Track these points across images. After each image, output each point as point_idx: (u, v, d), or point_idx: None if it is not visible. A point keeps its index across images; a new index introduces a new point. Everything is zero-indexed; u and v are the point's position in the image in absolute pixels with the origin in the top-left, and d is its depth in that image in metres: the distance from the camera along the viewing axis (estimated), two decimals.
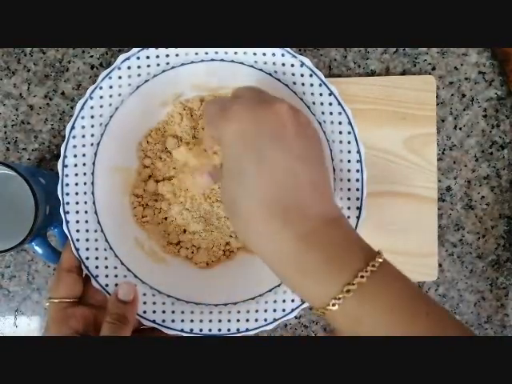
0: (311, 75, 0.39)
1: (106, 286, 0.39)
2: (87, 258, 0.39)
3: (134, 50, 0.39)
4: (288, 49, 0.39)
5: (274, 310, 0.40)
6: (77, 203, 0.39)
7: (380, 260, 0.29)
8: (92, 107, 0.39)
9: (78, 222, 0.39)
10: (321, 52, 0.48)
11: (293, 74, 0.40)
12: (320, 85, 0.40)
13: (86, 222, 0.39)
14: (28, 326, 0.48)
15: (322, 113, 0.40)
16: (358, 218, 0.40)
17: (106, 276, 0.39)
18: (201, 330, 0.39)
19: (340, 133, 0.40)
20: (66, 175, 0.39)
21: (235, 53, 0.39)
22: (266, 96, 0.33)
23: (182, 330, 0.39)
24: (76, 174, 0.39)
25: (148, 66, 0.39)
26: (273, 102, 0.31)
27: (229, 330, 0.39)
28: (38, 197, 0.38)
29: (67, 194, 0.39)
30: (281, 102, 0.31)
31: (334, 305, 0.28)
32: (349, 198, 0.40)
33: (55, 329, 0.37)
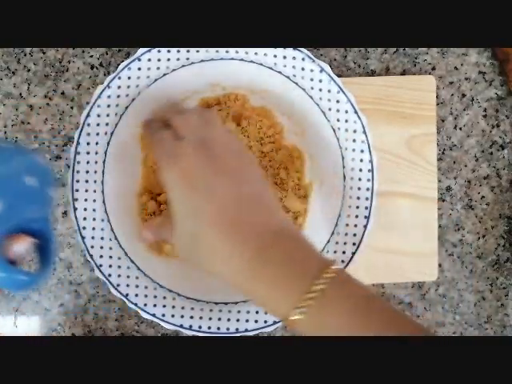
0: (330, 81, 0.39)
1: (109, 275, 0.39)
2: (92, 247, 0.39)
3: None
4: (308, 53, 0.39)
5: None
6: (86, 191, 0.39)
7: (335, 267, 0.31)
8: (109, 96, 0.39)
9: (85, 209, 0.39)
10: (321, 52, 0.48)
11: (311, 79, 0.40)
12: (338, 92, 0.40)
13: (94, 210, 0.39)
14: (28, 326, 0.47)
15: (338, 120, 0.40)
16: (366, 226, 0.40)
17: (110, 266, 0.39)
18: (200, 327, 0.39)
19: (354, 141, 0.40)
20: (78, 162, 0.39)
21: (255, 53, 0.39)
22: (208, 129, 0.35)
23: (181, 326, 0.39)
24: (88, 162, 0.39)
25: (168, 59, 0.39)
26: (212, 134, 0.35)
27: (228, 329, 0.39)
28: None
29: (77, 181, 0.39)
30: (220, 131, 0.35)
31: (297, 314, 0.30)
32: (357, 207, 0.40)
33: None
